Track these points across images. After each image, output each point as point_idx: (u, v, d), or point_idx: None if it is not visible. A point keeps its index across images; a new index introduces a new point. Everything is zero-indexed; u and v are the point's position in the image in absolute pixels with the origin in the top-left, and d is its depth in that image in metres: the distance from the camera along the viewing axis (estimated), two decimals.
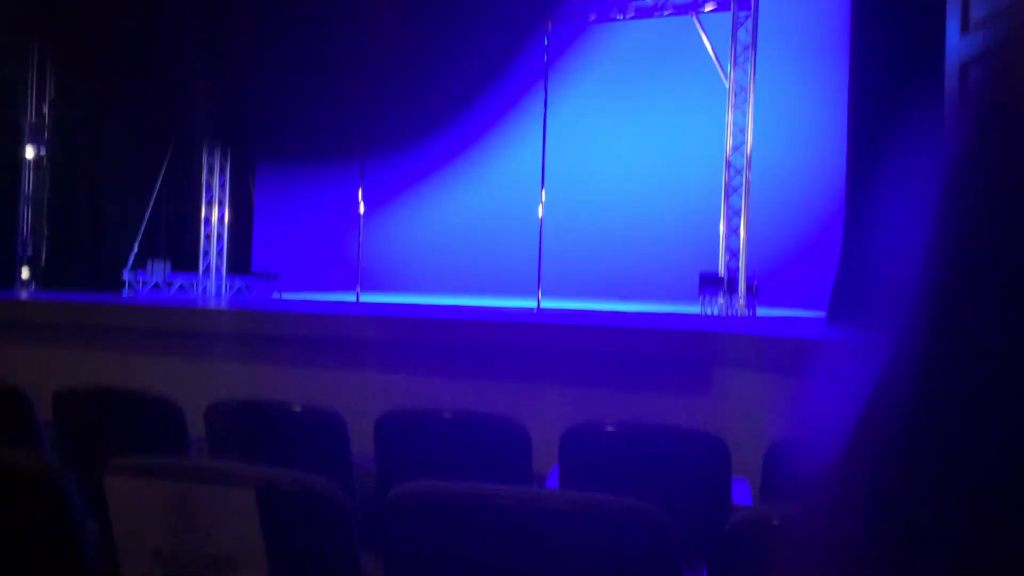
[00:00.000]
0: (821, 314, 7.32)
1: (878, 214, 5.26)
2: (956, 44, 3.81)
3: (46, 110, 10.36)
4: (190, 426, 2.99)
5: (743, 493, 2.80)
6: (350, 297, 9.47)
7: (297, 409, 3.01)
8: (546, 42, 8.98)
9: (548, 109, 8.82)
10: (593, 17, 9.19)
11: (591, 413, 4.61)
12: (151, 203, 9.61)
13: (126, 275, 9.45)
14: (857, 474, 0.37)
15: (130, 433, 2.95)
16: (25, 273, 10.13)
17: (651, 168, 10.05)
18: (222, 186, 10.54)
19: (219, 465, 1.73)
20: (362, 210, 9.96)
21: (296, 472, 1.74)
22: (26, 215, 10.25)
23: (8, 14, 9.55)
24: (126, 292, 9.40)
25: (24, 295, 8.53)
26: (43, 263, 10.26)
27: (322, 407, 2.96)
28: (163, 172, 9.65)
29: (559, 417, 4.06)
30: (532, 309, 7.99)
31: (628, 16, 8.92)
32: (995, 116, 0.35)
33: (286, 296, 10.10)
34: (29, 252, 10.24)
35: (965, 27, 3.79)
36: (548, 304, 8.45)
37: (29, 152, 10.21)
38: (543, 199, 8.83)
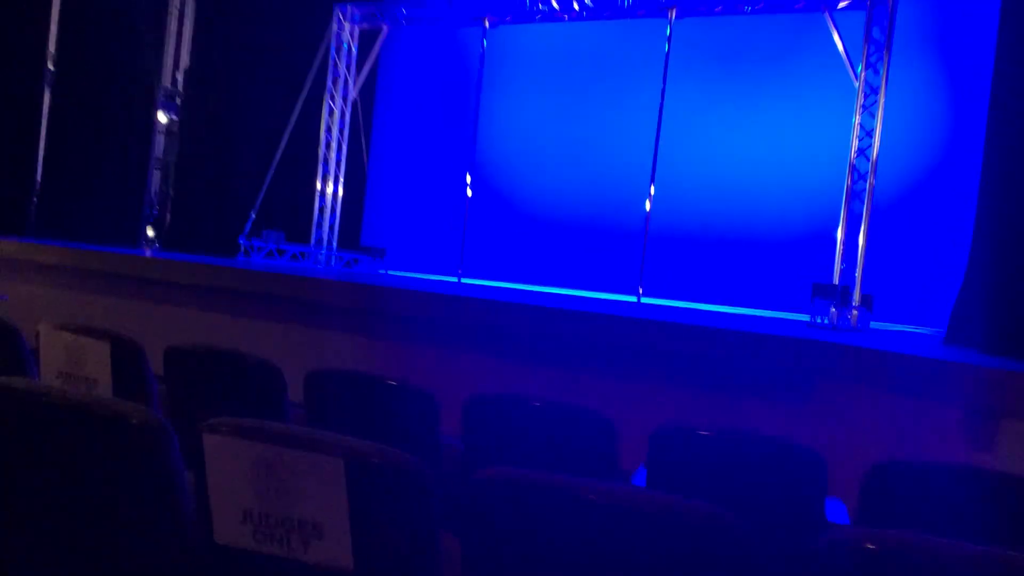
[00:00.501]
0: (938, 331, 6.95)
1: (1013, 230, 4.93)
2: None
3: (180, 77, 10.85)
4: (290, 391, 3.09)
5: (838, 513, 2.68)
6: (452, 279, 9.58)
7: (392, 384, 3.06)
8: (668, 32, 8.81)
9: (664, 102, 8.66)
10: (719, 8, 8.92)
11: (686, 413, 4.53)
12: (270, 174, 9.94)
13: (241, 241, 9.82)
14: None
15: (233, 393, 3.06)
16: (150, 232, 10.68)
17: (767, 168, 9.74)
18: (338, 162, 10.82)
19: (311, 433, 1.77)
20: (469, 193, 10.04)
21: (386, 446, 1.76)
22: (155, 178, 10.79)
23: None
24: (240, 257, 9.77)
25: (147, 253, 8.97)
26: (167, 225, 10.79)
27: (416, 385, 3.01)
28: (283, 144, 9.97)
29: (651, 415, 4.00)
30: (633, 302, 7.89)
31: (758, 9, 8.60)
32: None
33: (391, 273, 10.32)
34: (155, 213, 10.78)
35: None
36: (648, 302, 8.32)
37: (162, 117, 10.74)
38: (652, 193, 8.69)
